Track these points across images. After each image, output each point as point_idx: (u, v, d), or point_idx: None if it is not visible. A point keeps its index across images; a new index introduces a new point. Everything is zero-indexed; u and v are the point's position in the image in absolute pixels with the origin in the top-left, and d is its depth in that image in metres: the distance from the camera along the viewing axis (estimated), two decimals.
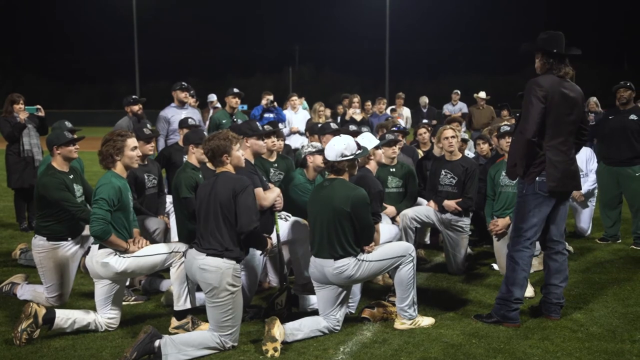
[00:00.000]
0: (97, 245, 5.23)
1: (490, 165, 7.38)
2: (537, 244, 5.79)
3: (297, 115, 12.56)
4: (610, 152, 8.39)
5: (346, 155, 5.22)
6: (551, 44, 5.31)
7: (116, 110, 9.80)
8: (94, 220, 5.07)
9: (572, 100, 5.30)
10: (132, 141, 5.39)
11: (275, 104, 11.93)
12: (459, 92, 17.37)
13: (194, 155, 6.20)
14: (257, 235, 5.22)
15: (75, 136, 6.23)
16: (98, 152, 5.37)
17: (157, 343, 4.63)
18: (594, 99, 13.64)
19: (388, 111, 14.04)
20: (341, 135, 5.60)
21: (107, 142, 5.32)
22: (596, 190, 8.87)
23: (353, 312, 5.73)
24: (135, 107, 9.13)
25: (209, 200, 4.97)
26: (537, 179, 5.32)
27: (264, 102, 11.85)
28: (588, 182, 8.87)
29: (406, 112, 15.34)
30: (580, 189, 5.77)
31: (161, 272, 6.08)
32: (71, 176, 6.02)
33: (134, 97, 9.29)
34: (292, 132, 12.16)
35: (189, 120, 8.03)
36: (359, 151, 5.36)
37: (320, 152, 6.34)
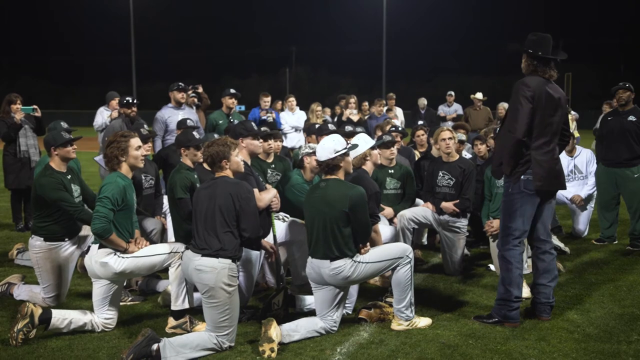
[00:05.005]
0: (97, 245, 5.24)
1: (487, 166, 7.39)
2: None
3: (293, 115, 12.60)
4: (609, 154, 8.38)
5: (338, 150, 5.24)
6: (536, 47, 5.38)
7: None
8: (96, 217, 5.08)
9: (557, 101, 5.38)
10: (135, 141, 5.40)
11: (274, 114, 11.86)
12: (452, 94, 17.39)
13: (187, 157, 6.19)
14: (257, 238, 5.27)
15: (72, 136, 6.22)
16: (103, 154, 5.39)
17: (154, 346, 4.64)
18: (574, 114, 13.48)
19: (384, 110, 14.05)
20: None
21: (111, 144, 5.33)
22: (595, 193, 8.87)
23: (350, 312, 5.74)
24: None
25: (208, 203, 5.00)
26: (522, 177, 5.39)
27: (262, 113, 11.78)
28: (588, 185, 8.89)
29: (399, 112, 15.34)
30: (565, 188, 5.79)
31: (158, 272, 6.07)
32: (69, 176, 6.01)
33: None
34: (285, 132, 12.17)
35: (188, 121, 8.02)
36: (349, 145, 5.45)
37: None
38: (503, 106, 13.67)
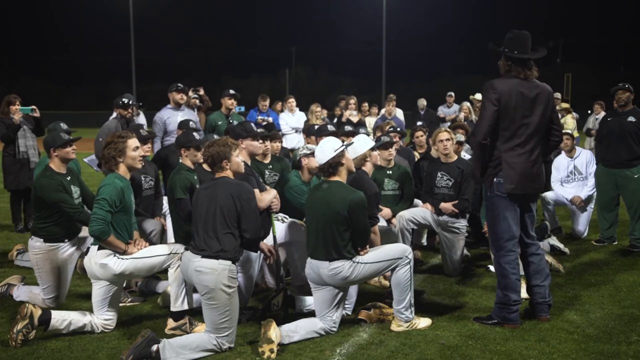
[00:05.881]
0: (97, 246, 5.23)
1: None
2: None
3: (293, 116, 12.62)
4: (609, 154, 8.37)
5: (337, 148, 5.25)
6: (511, 46, 5.29)
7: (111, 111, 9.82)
8: (93, 220, 5.07)
9: (532, 100, 5.26)
10: (133, 142, 5.39)
11: (270, 119, 11.86)
12: (452, 94, 17.38)
13: (187, 158, 6.19)
14: (258, 240, 5.28)
15: (72, 137, 6.22)
16: (101, 155, 5.37)
17: (154, 347, 4.64)
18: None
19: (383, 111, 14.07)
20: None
21: (108, 145, 5.32)
22: (595, 194, 8.87)
23: (349, 313, 5.74)
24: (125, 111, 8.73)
25: (208, 204, 5.00)
26: (495, 180, 5.35)
27: (259, 120, 11.76)
28: (588, 186, 8.89)
29: (399, 113, 15.34)
30: (544, 191, 5.74)
31: (158, 273, 6.07)
32: (68, 178, 6.00)
33: (127, 95, 8.88)
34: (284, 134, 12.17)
35: (190, 123, 8.01)
36: (346, 142, 5.52)
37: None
38: (467, 105, 13.70)
